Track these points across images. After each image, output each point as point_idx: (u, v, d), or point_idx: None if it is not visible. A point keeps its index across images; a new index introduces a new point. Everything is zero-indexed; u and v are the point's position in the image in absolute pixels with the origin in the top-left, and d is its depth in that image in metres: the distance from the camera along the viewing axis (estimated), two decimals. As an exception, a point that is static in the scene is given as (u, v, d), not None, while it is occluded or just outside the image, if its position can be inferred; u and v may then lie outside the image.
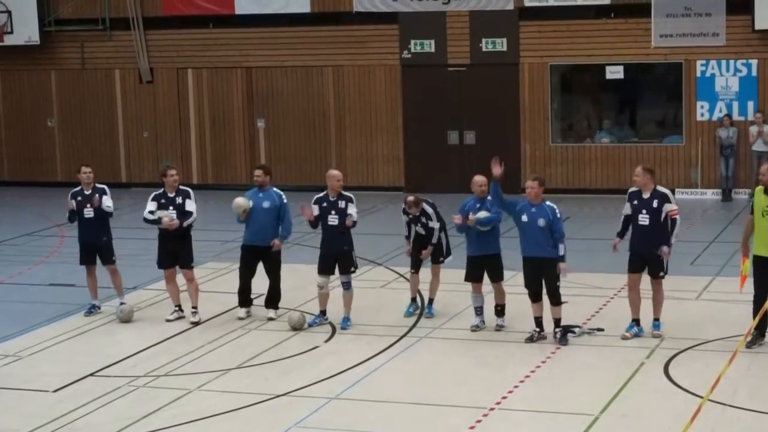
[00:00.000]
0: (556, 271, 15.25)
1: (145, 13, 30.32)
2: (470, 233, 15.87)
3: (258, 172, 17.01)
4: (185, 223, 16.78)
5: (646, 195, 15.30)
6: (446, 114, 28.68)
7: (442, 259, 16.78)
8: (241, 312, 17.07)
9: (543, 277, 15.35)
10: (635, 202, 15.36)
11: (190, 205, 16.88)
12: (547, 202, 15.44)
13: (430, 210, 16.65)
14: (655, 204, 15.23)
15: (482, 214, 15.71)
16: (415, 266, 16.81)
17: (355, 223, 16.23)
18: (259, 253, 16.90)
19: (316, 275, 16.45)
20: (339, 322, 16.43)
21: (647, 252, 15.29)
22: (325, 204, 16.29)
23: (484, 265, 15.95)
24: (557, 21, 27.78)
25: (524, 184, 27.83)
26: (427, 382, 14.06)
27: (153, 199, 16.99)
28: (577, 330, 15.58)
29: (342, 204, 16.22)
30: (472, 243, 15.97)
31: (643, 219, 15.23)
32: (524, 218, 15.33)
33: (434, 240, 16.60)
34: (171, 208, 16.82)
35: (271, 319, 16.86)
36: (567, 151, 28.26)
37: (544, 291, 15.47)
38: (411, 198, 16.77)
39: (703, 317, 16.53)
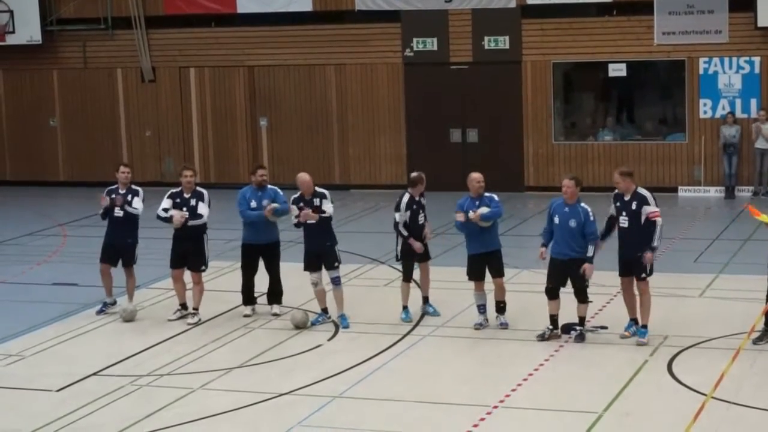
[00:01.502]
0: (582, 272, 15.25)
1: (147, 12, 30.31)
2: (471, 231, 15.83)
3: (264, 171, 17.07)
4: (190, 223, 16.78)
5: (626, 197, 15.20)
6: (449, 112, 28.66)
7: (429, 257, 16.73)
8: (247, 310, 17.11)
9: (570, 277, 15.31)
10: (618, 204, 15.29)
11: (202, 208, 16.88)
12: (582, 204, 15.35)
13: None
14: (633, 206, 15.09)
15: (483, 209, 15.68)
16: (410, 276, 16.59)
17: (324, 217, 16.21)
18: (260, 251, 16.97)
19: (307, 274, 16.47)
20: (338, 322, 16.42)
21: (628, 254, 15.19)
22: (301, 204, 16.35)
23: (485, 262, 15.93)
24: (559, 19, 27.75)
25: (529, 183, 28.05)
26: (431, 381, 14.04)
27: (168, 197, 17.03)
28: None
29: (317, 201, 16.28)
30: (473, 241, 15.94)
31: (623, 221, 15.14)
32: (556, 220, 15.32)
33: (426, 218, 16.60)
34: (184, 209, 16.85)
35: (275, 314, 16.90)
36: (570, 149, 28.23)
37: (563, 290, 15.45)
38: (416, 174, 16.66)
39: (706, 315, 16.50)
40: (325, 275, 16.48)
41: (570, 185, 15.31)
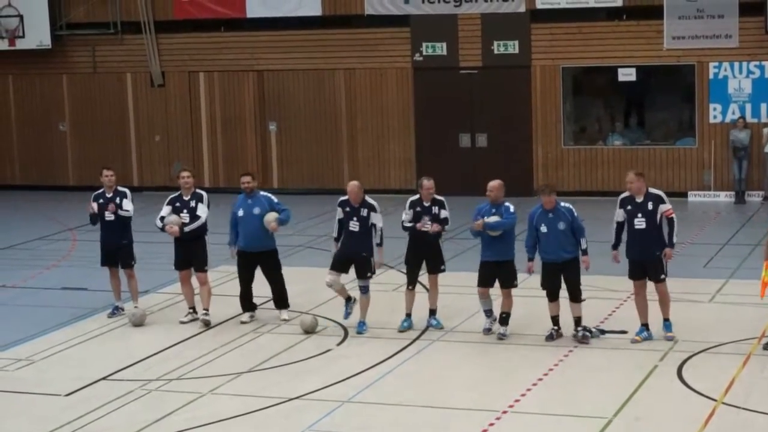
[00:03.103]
0: (579, 269, 15.38)
1: (157, 16, 30.37)
2: (484, 238, 15.81)
3: (247, 178, 16.85)
4: (186, 229, 16.79)
5: (639, 199, 15.24)
6: (458, 116, 28.66)
7: (443, 267, 16.50)
8: (245, 316, 17.01)
9: (564, 277, 15.43)
10: (629, 207, 15.29)
11: (201, 209, 16.89)
12: (562, 204, 15.51)
13: (440, 197, 16.49)
14: (650, 206, 15.17)
15: (493, 218, 15.64)
16: (413, 282, 16.51)
17: (381, 237, 16.19)
18: (255, 259, 16.84)
19: (323, 277, 16.44)
20: (354, 326, 16.39)
21: (645, 256, 15.22)
22: (348, 209, 16.25)
23: (496, 271, 15.85)
24: (569, 23, 27.75)
25: (537, 187, 27.97)
26: (440, 386, 14.03)
27: (168, 203, 17.04)
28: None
29: (364, 212, 16.17)
30: (486, 248, 15.89)
31: (639, 223, 15.17)
32: (544, 229, 15.42)
33: (447, 226, 16.47)
34: (185, 211, 16.85)
35: (284, 320, 16.85)
36: (579, 153, 28.22)
37: (561, 291, 15.54)
38: (426, 180, 16.53)
39: (716, 320, 16.48)
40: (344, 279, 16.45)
41: (551, 200, 15.48)
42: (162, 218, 16.88)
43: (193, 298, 17.22)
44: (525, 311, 16.46)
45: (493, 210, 15.76)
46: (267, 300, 17.35)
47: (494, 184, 15.86)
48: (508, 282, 15.84)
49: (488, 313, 16.08)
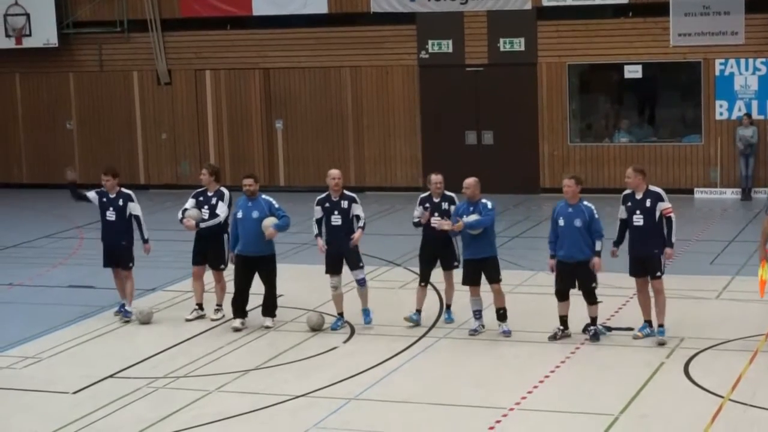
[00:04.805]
0: (592, 271, 15.22)
1: (163, 14, 30.38)
2: (464, 236, 15.69)
3: (249, 181, 16.57)
4: (202, 225, 16.82)
5: (639, 195, 15.22)
6: (464, 114, 28.64)
7: (456, 264, 16.36)
8: (236, 323, 16.60)
9: (578, 279, 15.30)
10: (629, 203, 15.27)
11: (221, 208, 16.91)
12: (585, 202, 15.36)
13: (451, 193, 16.37)
14: (648, 203, 15.14)
15: (472, 217, 15.53)
16: (426, 279, 16.41)
17: (364, 223, 16.20)
18: (253, 263, 16.56)
19: (328, 277, 16.39)
20: (360, 320, 16.37)
21: (644, 252, 15.18)
22: (327, 204, 16.21)
23: (480, 269, 15.68)
24: (575, 20, 27.73)
25: (545, 184, 28.03)
26: (446, 383, 14.04)
27: (192, 196, 17.16)
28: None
29: (345, 204, 16.16)
30: (467, 246, 15.71)
31: (638, 220, 15.15)
32: (561, 222, 15.28)
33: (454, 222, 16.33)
34: (206, 207, 16.91)
35: (267, 327, 16.54)
36: (585, 150, 28.20)
37: (572, 291, 15.43)
38: (434, 174, 16.41)
39: (723, 317, 16.47)
40: (345, 277, 16.41)
41: (570, 184, 15.32)
42: (184, 210, 16.94)
43: (202, 296, 17.22)
44: (532, 308, 16.45)
45: (471, 208, 15.63)
46: (253, 308, 17.16)
47: (470, 181, 15.73)
48: (494, 277, 15.62)
49: (477, 314, 15.93)
